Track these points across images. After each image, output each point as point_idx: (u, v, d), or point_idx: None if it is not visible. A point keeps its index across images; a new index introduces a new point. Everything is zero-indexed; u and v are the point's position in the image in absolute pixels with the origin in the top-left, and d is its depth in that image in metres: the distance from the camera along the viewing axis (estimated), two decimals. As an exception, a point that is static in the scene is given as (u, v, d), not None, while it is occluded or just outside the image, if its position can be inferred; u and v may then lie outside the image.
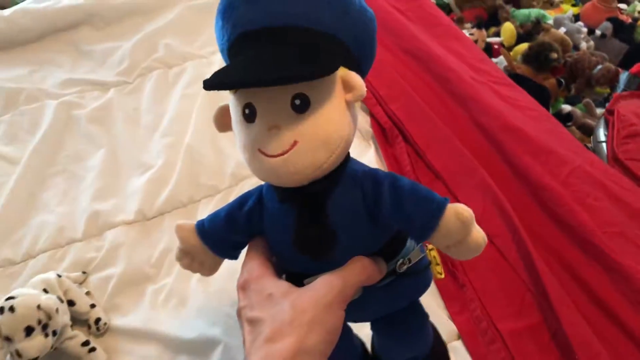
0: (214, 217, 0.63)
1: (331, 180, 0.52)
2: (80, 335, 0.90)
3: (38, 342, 0.83)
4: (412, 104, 1.15)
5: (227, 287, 0.96)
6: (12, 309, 0.82)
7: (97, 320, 0.94)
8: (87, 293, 0.97)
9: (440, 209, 0.50)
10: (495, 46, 1.80)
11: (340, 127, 0.50)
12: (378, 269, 0.56)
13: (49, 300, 0.85)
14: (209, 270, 0.68)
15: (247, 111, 0.50)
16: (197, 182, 1.11)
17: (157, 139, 1.19)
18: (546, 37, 1.74)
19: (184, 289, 0.97)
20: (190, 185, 1.10)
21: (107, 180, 1.13)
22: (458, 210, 0.50)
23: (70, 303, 0.93)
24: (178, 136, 1.18)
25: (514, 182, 1.01)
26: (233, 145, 1.13)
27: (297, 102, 0.48)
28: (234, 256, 0.65)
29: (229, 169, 1.12)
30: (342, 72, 0.50)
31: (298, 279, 0.56)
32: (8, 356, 0.86)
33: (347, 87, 0.50)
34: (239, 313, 0.56)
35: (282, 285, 0.54)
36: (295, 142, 0.48)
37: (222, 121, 0.56)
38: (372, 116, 1.16)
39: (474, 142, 1.08)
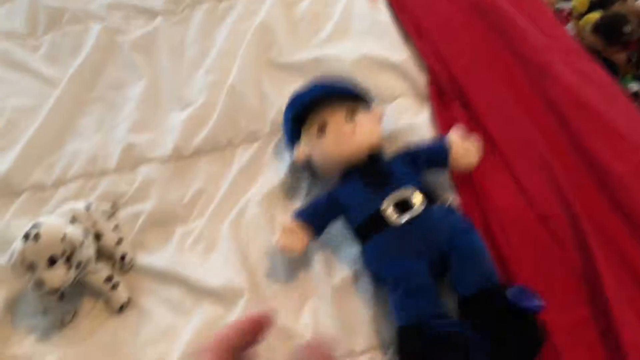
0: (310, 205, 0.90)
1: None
2: (105, 270, 0.88)
3: (61, 273, 0.80)
4: (475, 66, 1.07)
5: (258, 238, 0.91)
6: (37, 236, 0.79)
7: (123, 256, 0.91)
8: (115, 227, 0.94)
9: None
10: (565, 13, 1.67)
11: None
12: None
13: (75, 232, 0.82)
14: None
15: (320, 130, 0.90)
16: (238, 125, 1.06)
17: (200, 75, 1.13)
18: (622, 7, 1.60)
19: (214, 235, 0.94)
20: (229, 128, 1.05)
21: (146, 112, 1.09)
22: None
23: (97, 236, 0.90)
24: (222, 74, 1.12)
25: (577, 163, 0.93)
26: (278, 91, 1.07)
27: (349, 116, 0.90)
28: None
29: (270, 115, 1.06)
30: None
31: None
32: (32, 283, 0.84)
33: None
34: None
35: None
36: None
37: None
38: (431, 75, 1.08)
39: (538, 113, 1.00)
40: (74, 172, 1.03)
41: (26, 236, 0.79)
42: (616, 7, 1.58)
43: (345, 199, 0.87)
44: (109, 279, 0.87)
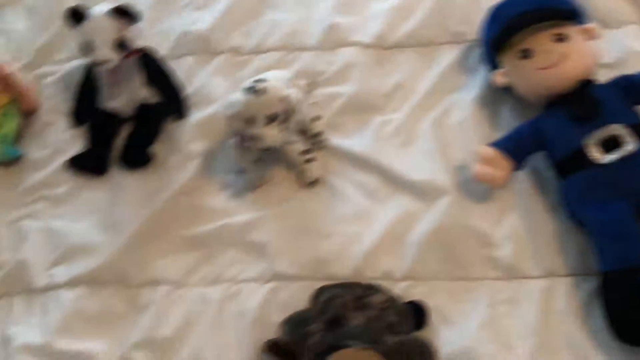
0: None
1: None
2: (301, 143, 0.87)
3: (275, 132, 0.80)
4: None
5: (461, 142, 0.88)
6: (262, 91, 0.78)
7: (318, 133, 0.90)
8: (313, 104, 0.92)
9: None
10: None
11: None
12: None
13: (296, 95, 0.81)
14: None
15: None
16: (443, 23, 1.00)
17: (409, -35, 1.07)
18: None
19: (413, 129, 0.91)
20: (435, 25, 1.00)
21: (351, -7, 1.04)
22: None
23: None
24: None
25: None
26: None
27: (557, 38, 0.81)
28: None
29: (479, 19, 0.99)
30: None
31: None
32: (233, 140, 0.85)
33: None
34: None
35: None
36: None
37: None
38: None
39: None
40: (272, 42, 1.01)
41: (250, 89, 0.78)
42: None
43: (549, 131, 0.80)
44: (305, 152, 0.86)
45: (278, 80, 0.81)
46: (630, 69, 0.88)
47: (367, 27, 1.00)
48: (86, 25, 0.86)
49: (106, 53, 0.85)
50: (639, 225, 0.73)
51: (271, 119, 0.78)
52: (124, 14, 0.86)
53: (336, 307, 0.67)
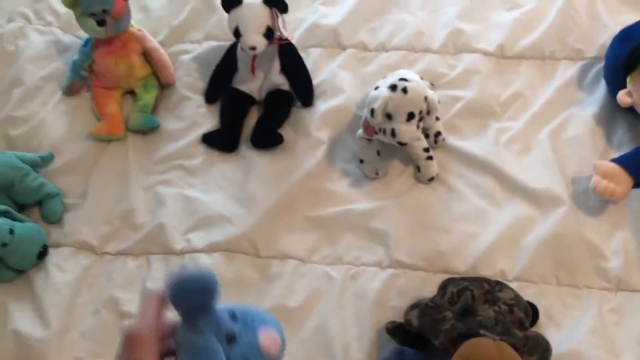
0: None
1: None
2: (424, 141, 0.92)
3: (412, 130, 0.85)
4: None
5: (577, 156, 0.92)
6: (405, 90, 0.83)
7: (438, 133, 0.94)
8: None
9: None
10: None
11: None
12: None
13: (434, 96, 0.86)
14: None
15: None
16: (564, 40, 1.03)
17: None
18: None
19: (530, 138, 0.95)
20: (555, 40, 1.03)
21: (473, 3, 1.08)
22: None
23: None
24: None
25: None
26: (612, 16, 1.04)
27: None
28: None
29: (600, 40, 1.02)
30: None
31: None
32: (360, 131, 0.90)
33: None
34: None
35: None
36: None
37: None
38: None
39: None
40: (397, 42, 1.06)
41: (393, 87, 0.84)
42: None
43: None
44: (426, 149, 0.91)
45: (419, 80, 0.86)
46: None
47: (489, 36, 1.04)
48: (240, 11, 0.92)
49: (256, 39, 0.91)
50: None
51: (411, 116, 0.84)
52: (275, 4, 0.92)
53: (467, 299, 0.72)
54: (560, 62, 1.03)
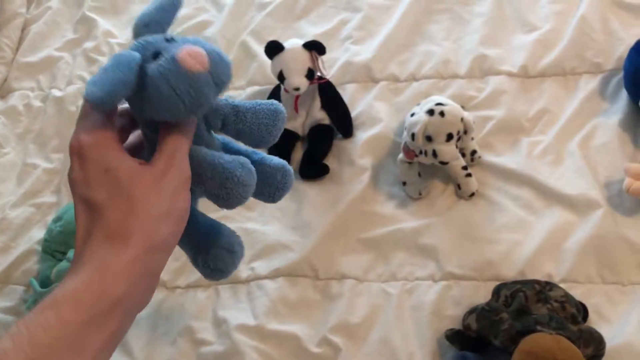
0: None
1: None
2: (462, 159, 0.99)
3: (452, 150, 0.92)
4: None
5: (607, 161, 0.98)
6: (442, 113, 0.91)
7: (474, 151, 1.01)
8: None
9: None
10: None
11: None
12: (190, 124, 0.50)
13: (470, 117, 0.93)
14: None
15: None
16: (583, 55, 1.10)
17: (544, 3, 1.18)
18: None
19: (561, 149, 1.01)
20: (575, 57, 1.10)
21: (493, 29, 1.16)
22: None
23: (457, 129, 1.00)
24: (568, 6, 1.16)
25: None
26: (625, 30, 1.10)
27: None
28: None
29: (617, 52, 1.09)
30: None
31: None
32: (401, 155, 0.97)
33: None
34: (70, 181, 0.46)
35: (126, 160, 0.45)
36: None
37: None
38: None
39: None
40: (425, 71, 1.14)
41: (431, 112, 0.91)
42: None
43: None
44: (464, 167, 0.98)
45: (454, 103, 0.93)
46: None
47: (512, 58, 1.12)
48: (283, 56, 1.01)
49: (299, 80, 1.00)
50: None
51: (450, 137, 0.91)
52: (314, 48, 1.01)
53: (520, 300, 0.78)
54: (582, 76, 1.09)
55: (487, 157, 1.02)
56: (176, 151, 0.47)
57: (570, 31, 1.13)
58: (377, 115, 1.09)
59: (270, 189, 0.59)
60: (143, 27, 0.51)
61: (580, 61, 1.10)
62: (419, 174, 1.00)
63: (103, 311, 0.41)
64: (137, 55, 0.45)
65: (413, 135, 0.92)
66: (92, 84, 0.44)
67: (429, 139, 0.91)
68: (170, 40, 0.48)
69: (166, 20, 0.52)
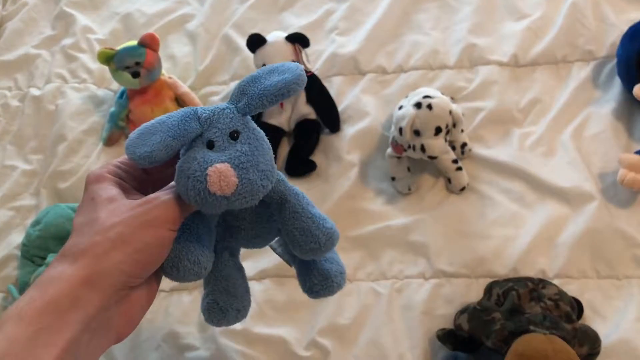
0: None
1: None
2: (452, 153, 0.96)
3: (441, 143, 0.89)
4: None
5: (603, 147, 0.95)
6: (430, 106, 0.88)
7: (464, 144, 0.98)
8: (457, 117, 1.01)
9: None
10: None
11: None
12: None
13: (458, 109, 0.90)
14: None
15: None
16: (574, 43, 1.07)
17: (534, -11, 1.15)
18: None
19: (553, 140, 0.98)
20: (566, 44, 1.07)
21: (482, 17, 1.13)
22: None
23: (446, 121, 0.97)
24: (560, -8, 1.13)
25: None
26: (618, 16, 1.08)
27: None
28: None
29: (610, 39, 1.06)
30: None
31: None
32: (389, 150, 0.94)
33: None
34: None
35: (113, 191, 0.49)
36: None
37: None
38: None
39: None
40: (414, 62, 1.11)
41: (419, 105, 0.88)
42: None
43: None
44: (455, 161, 0.95)
45: (442, 96, 0.90)
46: None
47: (502, 47, 1.09)
48: (265, 49, 0.98)
49: (282, 75, 0.97)
50: None
51: (438, 131, 0.88)
52: (297, 40, 0.98)
53: (513, 299, 0.75)
54: (573, 64, 1.06)
55: (478, 149, 0.99)
56: (168, 197, 0.48)
57: (561, 18, 1.10)
58: (364, 108, 1.06)
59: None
60: (242, 93, 0.49)
61: (571, 49, 1.07)
62: (408, 169, 0.97)
63: (48, 325, 0.41)
64: (197, 130, 0.47)
65: (401, 130, 0.89)
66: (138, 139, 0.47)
67: (417, 133, 0.89)
68: (234, 137, 0.48)
69: (270, 97, 0.49)
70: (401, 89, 1.08)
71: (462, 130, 0.98)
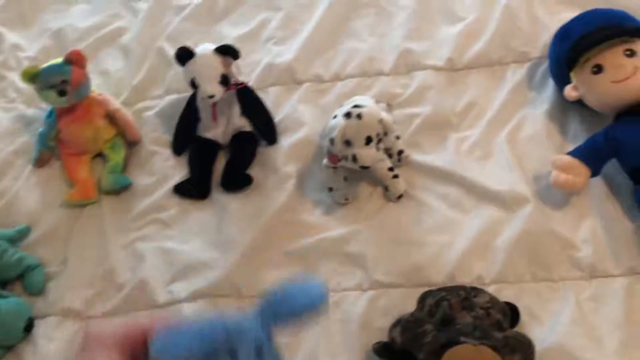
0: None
1: None
2: (387, 161, 0.95)
3: (373, 153, 0.88)
4: None
5: (535, 154, 0.95)
6: (359, 116, 0.86)
7: (400, 151, 0.97)
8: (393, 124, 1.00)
9: None
10: None
11: None
12: None
13: (389, 117, 0.89)
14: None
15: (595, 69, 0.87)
16: (509, 45, 1.07)
17: (469, -8, 1.15)
18: None
19: (489, 143, 0.98)
20: (501, 47, 1.07)
21: (418, 22, 1.12)
22: None
23: (382, 129, 0.96)
24: (492, -7, 1.13)
25: None
26: (551, 16, 1.08)
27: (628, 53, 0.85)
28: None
29: (543, 39, 1.06)
30: None
31: None
32: (325, 160, 0.93)
33: None
34: None
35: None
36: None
37: None
38: None
39: None
40: (350, 69, 1.10)
41: (348, 115, 0.87)
42: None
43: (623, 139, 0.86)
44: (391, 169, 0.94)
45: (373, 104, 0.89)
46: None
47: (438, 51, 1.08)
48: (194, 63, 0.95)
49: (212, 88, 0.95)
50: None
51: (369, 140, 0.87)
52: (227, 52, 0.96)
53: (444, 309, 0.74)
54: (508, 66, 1.06)
55: (415, 156, 0.99)
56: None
57: (495, 20, 1.10)
58: (301, 118, 1.05)
59: None
60: (272, 313, 0.46)
61: (506, 51, 1.07)
62: (345, 179, 0.96)
63: None
64: (223, 343, 0.44)
65: (332, 141, 0.88)
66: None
67: (347, 143, 0.87)
68: (259, 352, 0.45)
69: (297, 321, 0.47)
70: (338, 97, 1.06)
71: (397, 137, 0.97)
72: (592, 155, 0.88)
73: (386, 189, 0.95)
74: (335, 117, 0.90)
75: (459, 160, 0.96)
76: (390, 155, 0.96)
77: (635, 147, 0.85)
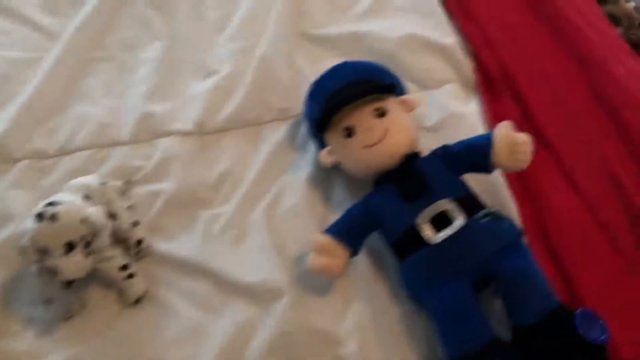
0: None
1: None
2: (119, 257, 0.77)
3: (78, 261, 0.69)
4: (528, 55, 0.99)
5: (297, 229, 0.82)
6: (53, 217, 0.68)
7: (139, 241, 0.80)
8: (130, 207, 0.82)
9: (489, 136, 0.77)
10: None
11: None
12: None
13: (97, 214, 0.71)
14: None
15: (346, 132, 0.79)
16: (267, 101, 0.95)
17: (223, 41, 1.02)
18: (614, 9, 1.53)
19: (244, 222, 0.84)
20: (258, 104, 0.95)
21: (163, 78, 0.97)
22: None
23: (111, 217, 0.78)
24: (249, 42, 1.01)
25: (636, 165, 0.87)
26: (312, 65, 0.98)
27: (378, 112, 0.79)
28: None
29: (303, 94, 0.95)
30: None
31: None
32: (34, 267, 0.73)
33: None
34: None
35: None
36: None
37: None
38: (478, 61, 0.99)
39: (595, 113, 0.93)
40: (80, 141, 0.91)
41: (40, 216, 0.67)
42: (608, 9, 1.52)
43: (380, 210, 0.77)
44: (124, 267, 0.76)
45: (74, 200, 0.70)
46: (452, 130, 0.88)
47: (185, 113, 0.93)
48: None
49: None
50: (476, 303, 0.70)
51: (70, 247, 0.68)
52: None
53: None
54: (267, 125, 0.94)
55: (159, 244, 0.82)
56: None
57: (251, 73, 0.97)
58: (10, 209, 0.83)
59: None
60: None
61: (264, 108, 0.95)
62: (69, 284, 0.75)
63: None
64: None
65: (23, 250, 0.67)
66: None
67: (43, 252, 0.67)
68: None
69: None
70: (65, 176, 0.87)
71: (136, 224, 0.80)
72: (350, 231, 0.78)
73: (121, 292, 0.76)
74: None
75: (208, 246, 0.81)
76: (128, 248, 0.78)
77: (393, 219, 0.76)
